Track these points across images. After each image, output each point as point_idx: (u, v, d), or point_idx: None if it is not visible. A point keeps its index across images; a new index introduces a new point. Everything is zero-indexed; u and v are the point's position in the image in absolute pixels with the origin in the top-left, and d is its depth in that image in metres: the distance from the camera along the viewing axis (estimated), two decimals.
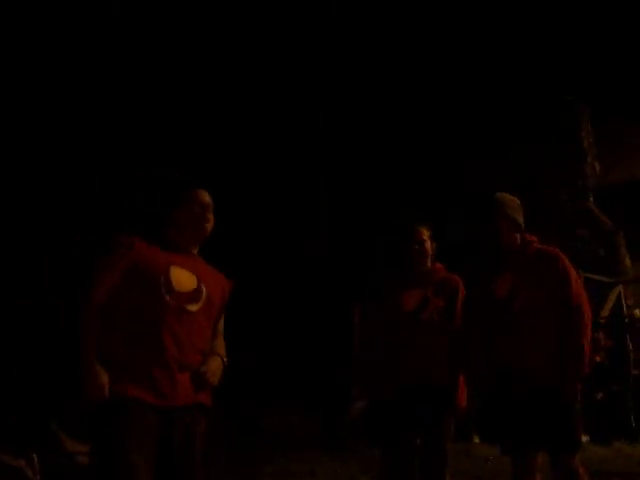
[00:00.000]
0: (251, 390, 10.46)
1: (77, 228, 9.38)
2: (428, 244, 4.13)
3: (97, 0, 9.42)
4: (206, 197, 3.23)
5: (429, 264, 4.16)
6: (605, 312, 10.30)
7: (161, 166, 9.67)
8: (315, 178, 12.07)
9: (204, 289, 3.08)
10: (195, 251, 3.22)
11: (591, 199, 13.62)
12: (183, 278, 3.03)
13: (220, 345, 3.22)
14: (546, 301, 3.61)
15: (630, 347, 9.93)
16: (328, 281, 11.80)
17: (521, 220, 3.82)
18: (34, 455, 6.18)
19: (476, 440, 8.47)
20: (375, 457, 4.23)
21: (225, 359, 3.17)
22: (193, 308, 3.01)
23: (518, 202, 3.87)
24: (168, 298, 2.95)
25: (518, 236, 3.80)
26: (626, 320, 10.37)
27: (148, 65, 9.61)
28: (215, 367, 3.09)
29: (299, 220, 12.05)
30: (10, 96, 9.03)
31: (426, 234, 4.14)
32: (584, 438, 7.11)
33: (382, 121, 11.88)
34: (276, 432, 10.05)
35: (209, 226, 3.20)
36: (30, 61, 9.15)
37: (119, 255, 2.98)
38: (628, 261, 13.08)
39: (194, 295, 3.04)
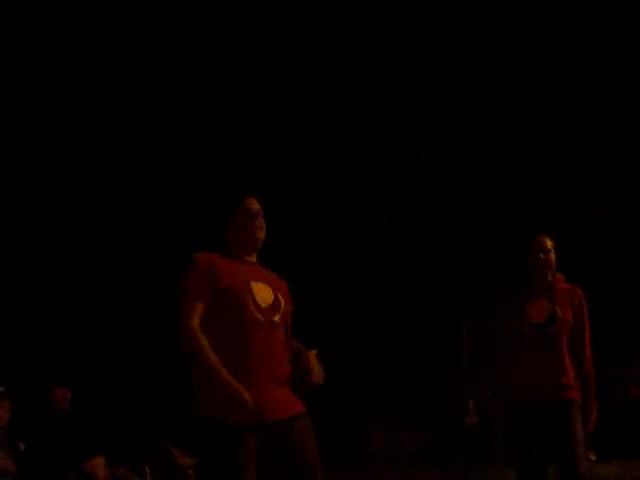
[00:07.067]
0: (361, 405, 10.61)
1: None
2: (553, 255, 4.11)
3: None
4: (253, 204, 3.23)
5: (551, 275, 4.12)
6: None
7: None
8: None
9: (280, 298, 3.12)
10: (254, 259, 3.24)
11: None
12: (263, 292, 3.08)
13: (296, 344, 3.24)
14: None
15: None
16: (437, 296, 11.84)
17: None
18: (146, 468, 6.79)
19: (592, 457, 7.83)
20: (487, 474, 4.34)
21: (316, 350, 3.19)
22: (276, 318, 3.06)
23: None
24: (259, 316, 3.00)
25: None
26: None
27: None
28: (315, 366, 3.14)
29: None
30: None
31: (550, 244, 4.11)
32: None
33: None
34: (386, 448, 9.94)
35: (261, 233, 3.21)
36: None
37: (205, 274, 3.00)
38: None
39: (275, 305, 3.09)
